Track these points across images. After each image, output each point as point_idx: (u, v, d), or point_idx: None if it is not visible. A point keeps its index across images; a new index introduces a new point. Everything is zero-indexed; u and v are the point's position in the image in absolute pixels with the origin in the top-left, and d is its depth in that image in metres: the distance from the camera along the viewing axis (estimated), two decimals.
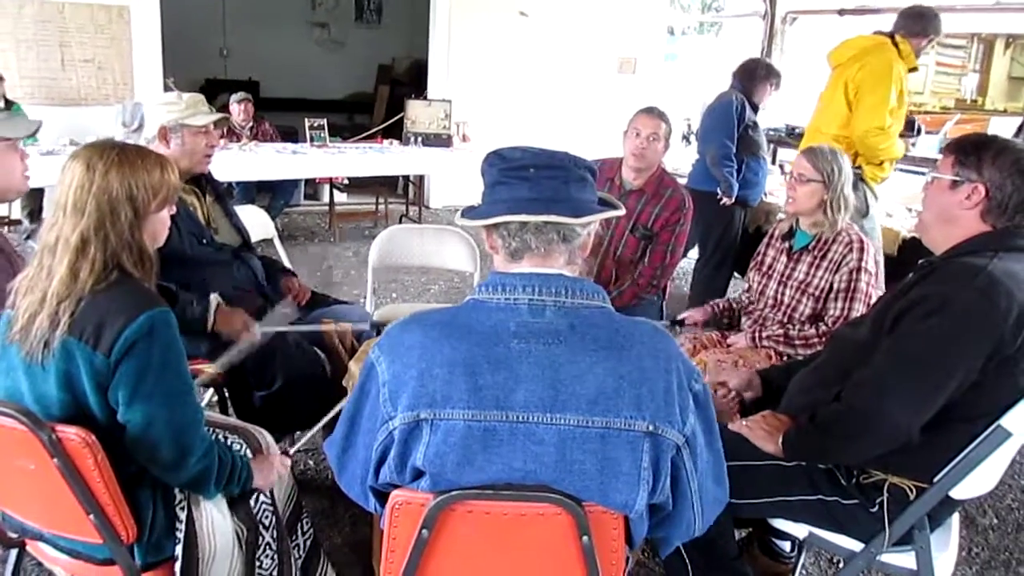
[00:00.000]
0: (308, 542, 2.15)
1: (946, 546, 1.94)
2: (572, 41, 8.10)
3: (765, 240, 3.05)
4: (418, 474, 1.34)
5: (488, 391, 1.29)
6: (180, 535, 1.70)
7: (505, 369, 1.29)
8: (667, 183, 3.25)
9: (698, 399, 1.38)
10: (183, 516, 1.71)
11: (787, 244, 2.90)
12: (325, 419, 2.28)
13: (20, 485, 1.66)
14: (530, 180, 1.35)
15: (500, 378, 1.29)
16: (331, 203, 6.91)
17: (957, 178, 1.79)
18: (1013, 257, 1.77)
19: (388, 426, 1.34)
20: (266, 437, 2.08)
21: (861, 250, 2.70)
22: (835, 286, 2.72)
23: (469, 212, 1.44)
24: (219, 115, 2.77)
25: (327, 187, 7.50)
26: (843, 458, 1.87)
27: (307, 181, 7.58)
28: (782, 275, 2.87)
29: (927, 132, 10.81)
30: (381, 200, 7.26)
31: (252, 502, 1.88)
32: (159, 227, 1.72)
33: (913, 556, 1.88)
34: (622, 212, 1.42)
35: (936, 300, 1.73)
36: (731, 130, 4.43)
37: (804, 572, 2.50)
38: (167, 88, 6.60)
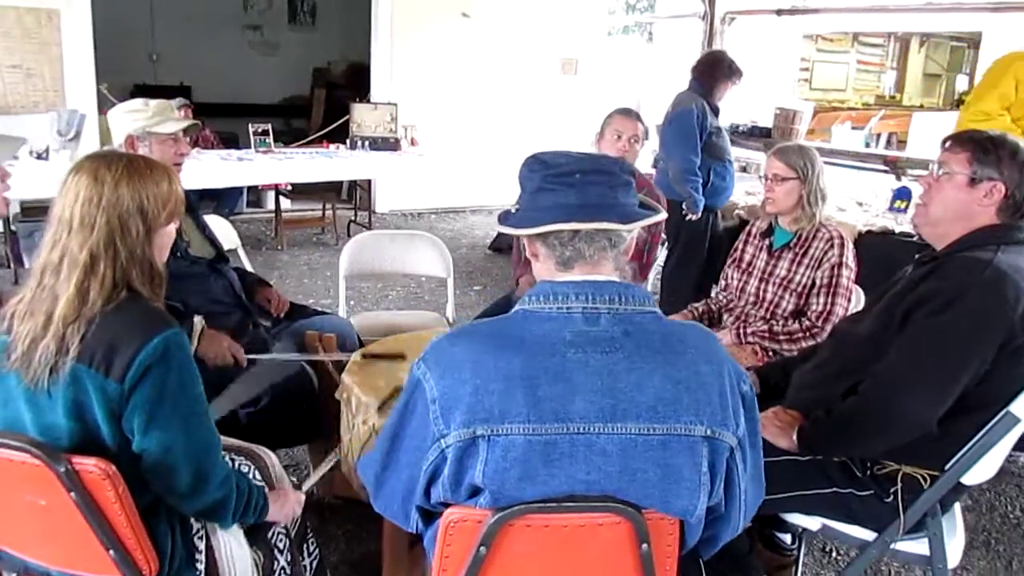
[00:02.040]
0: (315, 563, 2.09)
1: (954, 532, 2.00)
2: (515, 42, 8.11)
3: (742, 237, 3.09)
4: (475, 491, 1.30)
5: (547, 403, 1.26)
6: (200, 566, 1.62)
7: (563, 380, 1.26)
8: (642, 183, 3.25)
9: (746, 400, 1.38)
10: (202, 546, 1.64)
11: (767, 242, 2.94)
12: (329, 463, 2.21)
13: (25, 521, 1.55)
14: (575, 186, 1.32)
15: (558, 389, 1.26)
16: (277, 210, 6.73)
17: (975, 176, 1.83)
18: (1014, 250, 1.83)
19: (440, 444, 1.29)
20: (272, 458, 2.01)
21: (842, 246, 2.77)
22: (817, 281, 2.77)
23: (508, 220, 1.41)
24: (189, 121, 2.66)
25: (270, 194, 7.32)
26: (864, 451, 1.90)
27: (250, 188, 7.39)
28: (763, 272, 2.92)
29: (853, 127, 11.18)
30: (328, 206, 7.12)
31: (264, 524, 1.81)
32: (166, 241, 1.64)
33: (925, 543, 1.93)
34: (664, 216, 1.41)
35: (948, 294, 1.78)
36: (694, 143, 4.25)
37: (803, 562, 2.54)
38: (100, 95, 6.34)
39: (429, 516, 1.43)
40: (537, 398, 1.25)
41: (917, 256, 2.06)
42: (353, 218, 7.25)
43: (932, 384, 1.76)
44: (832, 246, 2.76)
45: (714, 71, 4.41)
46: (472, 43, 7.92)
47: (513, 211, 1.43)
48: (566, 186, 1.33)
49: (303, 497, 1.91)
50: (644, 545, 1.32)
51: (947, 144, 1.91)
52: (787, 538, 2.45)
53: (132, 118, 2.60)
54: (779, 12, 6.81)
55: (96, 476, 1.42)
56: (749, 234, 3.06)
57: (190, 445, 1.51)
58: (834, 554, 2.69)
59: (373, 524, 2.78)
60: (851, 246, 2.80)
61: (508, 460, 1.25)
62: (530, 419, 1.25)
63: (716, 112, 4.43)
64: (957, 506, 2.09)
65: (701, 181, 4.30)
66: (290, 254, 6.51)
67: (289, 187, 6.99)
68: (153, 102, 2.65)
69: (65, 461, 1.41)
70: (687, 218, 4.37)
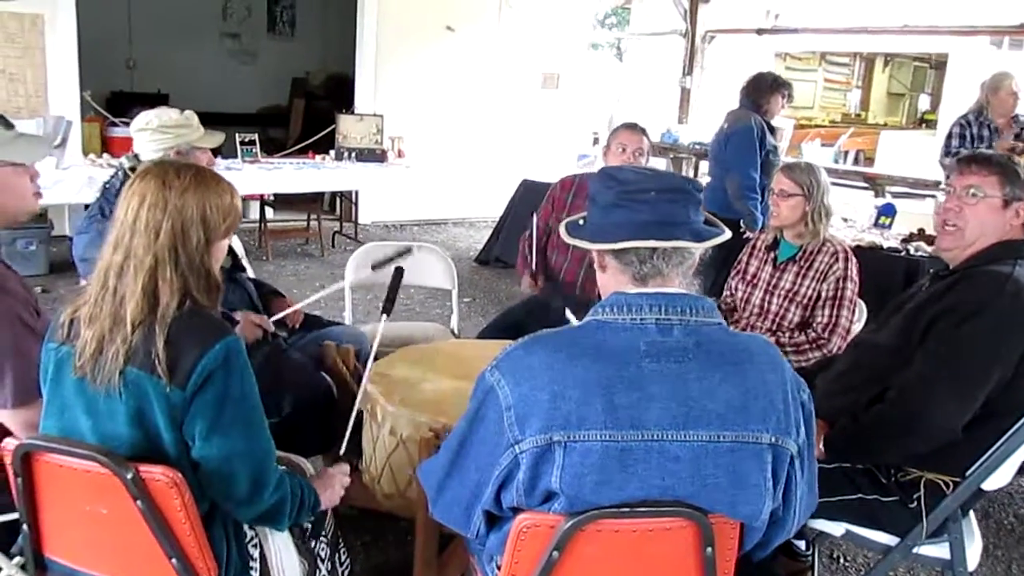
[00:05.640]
0: (346, 572, 2.10)
1: (972, 536, 2.08)
2: (498, 56, 8.18)
3: (746, 250, 3.17)
4: (548, 496, 1.33)
5: (623, 411, 1.30)
6: (255, 574, 1.63)
7: (638, 388, 1.31)
8: None
9: (805, 409, 1.44)
10: (256, 554, 1.64)
11: (771, 255, 3.02)
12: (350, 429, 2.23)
13: (80, 530, 1.55)
14: (650, 203, 1.37)
15: (634, 397, 1.30)
16: (262, 220, 6.69)
17: (1008, 197, 1.92)
18: None
19: (514, 450, 1.33)
20: (308, 466, 2.04)
21: (846, 260, 2.86)
22: (823, 294, 2.86)
23: (579, 232, 1.45)
24: (221, 132, 2.69)
25: (252, 204, 7.26)
26: (890, 457, 1.97)
27: None
28: (768, 284, 3.00)
29: (823, 144, 11.40)
30: (313, 216, 7.09)
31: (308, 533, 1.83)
32: (221, 253, 1.65)
33: (945, 547, 2.00)
34: (729, 235, 1.46)
35: (971, 306, 1.87)
36: (755, 159, 4.26)
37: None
38: (84, 101, 6.26)
39: (491, 522, 1.47)
40: (614, 406, 1.29)
41: (933, 271, 2.15)
42: (338, 229, 7.23)
43: (957, 391, 1.84)
44: (837, 260, 2.85)
45: (762, 86, 4.43)
46: (456, 56, 7.98)
47: (581, 223, 1.47)
48: (641, 203, 1.37)
49: (347, 467, 1.93)
50: (708, 548, 1.37)
51: (971, 167, 1.98)
52: (802, 544, 2.51)
53: (177, 133, 2.60)
54: (760, 31, 6.99)
55: (163, 484, 1.43)
56: (754, 247, 3.14)
57: (250, 451, 1.53)
58: (842, 560, 2.77)
59: (391, 533, 2.81)
60: (855, 261, 2.89)
61: (585, 466, 1.29)
62: (607, 426, 1.29)
63: (772, 131, 4.44)
64: (972, 512, 2.16)
65: (760, 198, 4.27)
66: (276, 264, 6.46)
67: (271, 197, 6.96)
68: (187, 113, 2.66)
69: (132, 469, 1.41)
70: (744, 235, 4.20)
